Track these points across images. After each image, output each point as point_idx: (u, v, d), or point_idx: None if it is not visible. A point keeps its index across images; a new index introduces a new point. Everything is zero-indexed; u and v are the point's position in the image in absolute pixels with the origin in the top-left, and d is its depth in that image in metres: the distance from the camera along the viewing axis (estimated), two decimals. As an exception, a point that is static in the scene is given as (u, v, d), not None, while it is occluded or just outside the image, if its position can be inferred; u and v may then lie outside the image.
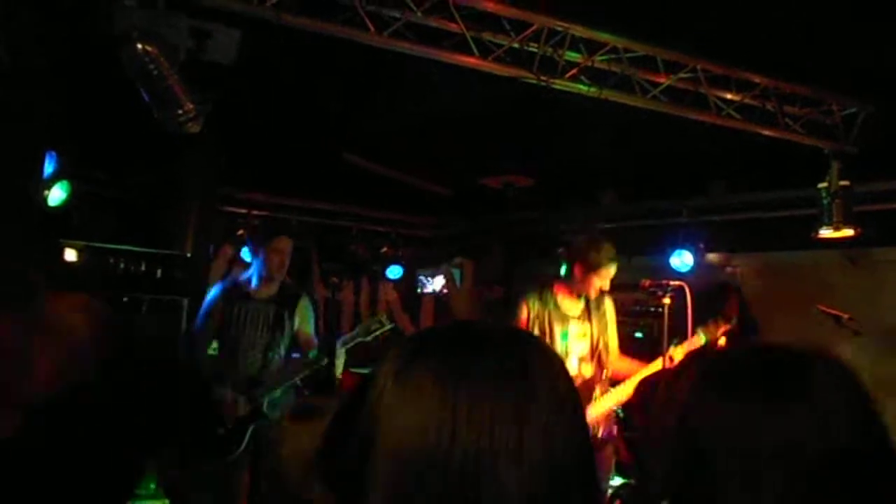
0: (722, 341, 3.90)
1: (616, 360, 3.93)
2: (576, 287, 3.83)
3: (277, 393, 3.77)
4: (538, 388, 0.66)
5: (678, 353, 3.74)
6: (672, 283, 3.89)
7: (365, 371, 5.75)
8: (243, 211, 6.22)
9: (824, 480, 0.80)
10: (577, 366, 3.78)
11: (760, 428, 0.83)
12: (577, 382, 3.72)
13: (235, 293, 3.90)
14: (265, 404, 3.71)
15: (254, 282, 3.92)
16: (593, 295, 3.84)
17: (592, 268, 3.74)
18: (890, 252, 5.16)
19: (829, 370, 0.88)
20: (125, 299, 4.48)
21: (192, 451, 3.71)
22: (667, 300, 3.81)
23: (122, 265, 4.58)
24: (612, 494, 3.90)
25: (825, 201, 4.50)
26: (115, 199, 5.34)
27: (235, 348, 3.80)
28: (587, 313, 3.87)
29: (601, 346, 3.86)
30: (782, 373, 0.88)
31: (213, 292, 3.99)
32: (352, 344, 3.94)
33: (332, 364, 3.71)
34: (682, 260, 5.62)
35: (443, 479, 0.62)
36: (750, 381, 0.88)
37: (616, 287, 5.41)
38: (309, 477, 1.74)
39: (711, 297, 4.89)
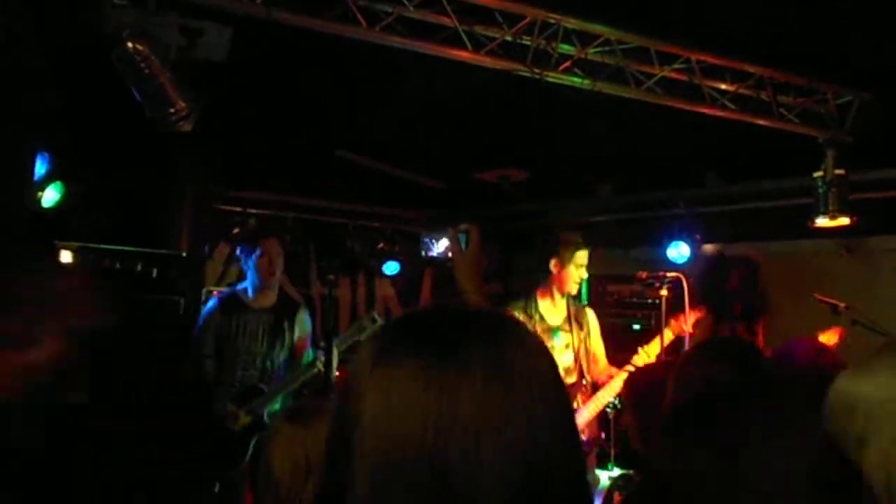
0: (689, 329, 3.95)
1: (605, 370, 3.96)
2: (556, 286, 3.83)
3: (277, 404, 3.74)
4: (519, 378, 0.65)
5: (652, 351, 3.77)
6: (669, 274, 3.90)
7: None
8: (239, 209, 6.21)
9: None
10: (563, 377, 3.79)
11: (716, 473, 0.83)
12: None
13: (232, 304, 3.87)
14: (265, 415, 3.69)
15: (250, 291, 3.90)
16: (574, 290, 3.85)
17: (566, 259, 3.77)
18: (886, 240, 5.17)
19: (773, 413, 0.88)
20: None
21: (196, 463, 3.68)
22: (664, 291, 3.83)
23: (117, 265, 4.56)
24: (612, 486, 3.90)
25: (821, 190, 4.50)
26: (109, 200, 5.32)
27: (234, 360, 3.77)
28: (569, 322, 3.88)
29: (582, 354, 3.89)
30: (729, 420, 0.88)
31: (209, 304, 3.97)
32: (347, 344, 3.92)
33: (329, 366, 3.69)
34: (678, 251, 5.62)
35: (424, 471, 0.62)
36: (699, 429, 0.88)
37: (613, 279, 5.42)
38: (299, 478, 1.74)
39: (709, 275, 4.87)
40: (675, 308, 4.33)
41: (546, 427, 0.65)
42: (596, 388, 3.86)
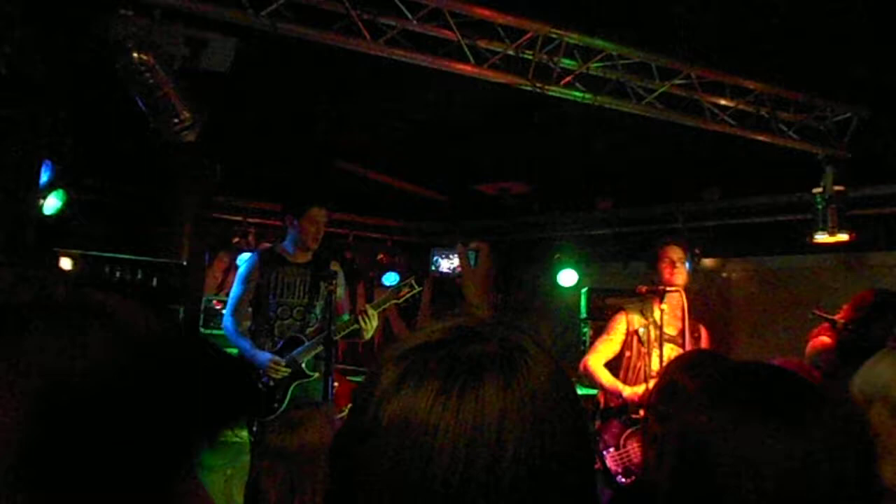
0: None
1: None
2: (662, 284, 3.80)
3: (319, 349, 3.86)
4: (537, 399, 0.67)
5: None
6: (669, 288, 3.89)
7: (359, 380, 5.74)
8: (238, 218, 6.22)
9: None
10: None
11: (772, 450, 0.84)
12: None
13: (272, 258, 4.00)
14: (304, 363, 3.83)
15: (290, 248, 4.01)
16: (679, 279, 3.81)
17: (661, 259, 3.84)
18: (885, 256, 5.18)
19: (831, 399, 0.90)
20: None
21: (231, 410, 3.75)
22: (663, 305, 3.82)
23: (117, 273, 4.57)
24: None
25: (820, 206, 4.52)
26: (110, 208, 5.33)
27: (274, 311, 3.90)
28: (682, 336, 3.79)
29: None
30: (792, 396, 0.89)
31: (249, 259, 4.09)
32: (383, 307, 4.03)
33: (329, 353, 3.75)
34: (677, 265, 5.62)
35: (440, 490, 0.63)
36: (759, 402, 0.89)
37: (612, 292, 5.41)
38: (284, 494, 1.73)
39: None
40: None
41: (562, 445, 0.67)
42: None
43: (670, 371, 1.71)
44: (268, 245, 4.33)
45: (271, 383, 3.76)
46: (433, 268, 1.87)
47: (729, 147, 4.42)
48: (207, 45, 3.47)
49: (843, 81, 4.08)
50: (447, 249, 1.84)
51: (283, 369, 3.76)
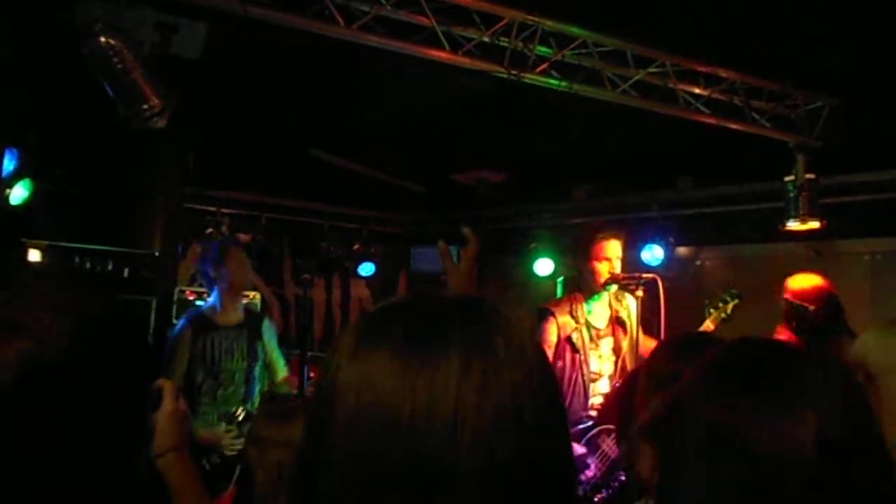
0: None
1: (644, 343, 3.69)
2: (591, 286, 3.68)
3: None
4: (499, 359, 0.66)
5: None
6: (645, 275, 3.90)
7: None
8: (213, 209, 6.14)
9: (821, 481, 0.81)
10: (608, 385, 3.64)
11: (765, 426, 0.83)
12: (602, 402, 3.57)
13: (202, 324, 3.76)
14: None
15: (219, 306, 3.81)
16: (610, 285, 3.63)
17: (591, 254, 3.63)
18: (855, 244, 5.26)
19: (826, 371, 0.89)
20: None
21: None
22: (639, 293, 3.83)
23: (88, 265, 4.49)
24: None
25: (791, 194, 4.57)
26: (80, 197, 5.22)
27: (214, 382, 3.66)
28: (612, 325, 3.71)
29: (628, 356, 3.64)
30: (782, 372, 0.89)
31: (177, 326, 3.84)
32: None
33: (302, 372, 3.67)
34: (652, 254, 5.67)
35: (401, 452, 0.62)
36: (754, 378, 0.88)
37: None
38: (273, 482, 1.71)
39: None
40: (650, 310, 4.35)
41: (528, 408, 0.65)
42: None
43: (662, 359, 1.66)
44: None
45: (216, 460, 3.44)
46: (415, 266, 1.79)
47: (702, 135, 4.45)
48: (177, 30, 3.41)
49: (815, 71, 4.12)
50: (428, 247, 1.75)
51: (230, 442, 3.42)
